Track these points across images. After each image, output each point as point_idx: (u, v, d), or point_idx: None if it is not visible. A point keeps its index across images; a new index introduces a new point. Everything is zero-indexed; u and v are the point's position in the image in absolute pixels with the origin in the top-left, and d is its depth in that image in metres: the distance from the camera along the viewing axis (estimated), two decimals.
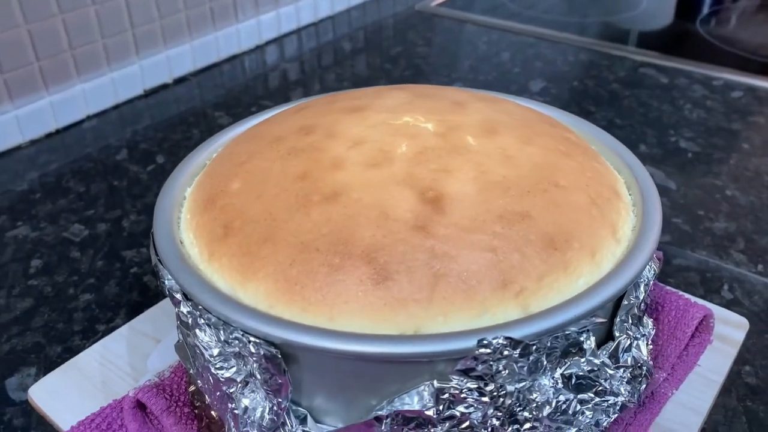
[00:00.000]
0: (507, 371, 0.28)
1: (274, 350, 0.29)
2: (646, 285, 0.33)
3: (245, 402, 0.31)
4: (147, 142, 0.70)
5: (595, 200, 0.34)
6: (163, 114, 0.75)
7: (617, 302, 0.33)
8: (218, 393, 0.32)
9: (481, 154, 0.34)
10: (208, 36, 0.84)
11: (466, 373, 0.28)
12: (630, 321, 0.32)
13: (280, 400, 0.30)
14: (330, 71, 0.84)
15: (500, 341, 0.27)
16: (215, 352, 0.30)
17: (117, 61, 0.75)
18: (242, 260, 0.31)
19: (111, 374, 0.43)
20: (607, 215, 0.34)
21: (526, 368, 0.29)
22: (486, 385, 0.28)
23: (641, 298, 0.33)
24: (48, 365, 0.45)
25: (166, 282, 0.32)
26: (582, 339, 0.30)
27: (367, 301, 0.29)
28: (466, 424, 0.29)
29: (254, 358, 0.29)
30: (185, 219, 0.36)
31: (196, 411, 0.37)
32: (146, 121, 0.74)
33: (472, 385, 0.28)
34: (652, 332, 0.35)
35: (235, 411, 0.31)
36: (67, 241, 0.56)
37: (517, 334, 0.28)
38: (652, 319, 0.37)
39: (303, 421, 0.31)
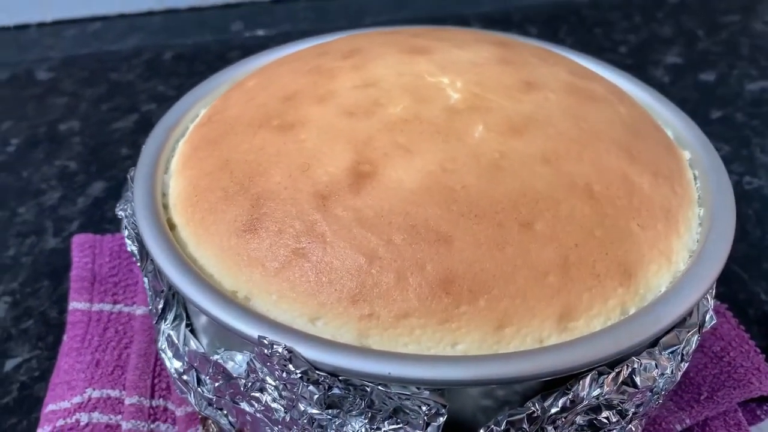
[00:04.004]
0: (297, 389, 0.24)
1: (137, 248, 0.29)
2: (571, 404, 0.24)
3: (145, 281, 0.32)
4: None
5: (567, 266, 0.25)
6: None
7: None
8: None
9: (469, 149, 0.27)
10: None
11: (263, 363, 0.25)
12: (503, 426, 0.24)
13: (156, 296, 0.30)
14: (616, 24, 0.72)
15: (281, 350, 0.23)
16: (120, 214, 0.31)
17: None
18: (190, 153, 0.31)
19: None
20: (569, 290, 0.25)
21: (319, 397, 0.24)
22: (285, 389, 0.25)
23: (543, 415, 0.24)
24: None
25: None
26: (416, 407, 0.24)
27: (227, 244, 0.27)
28: (273, 417, 0.26)
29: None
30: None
31: None
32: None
33: (271, 381, 0.25)
34: None
35: (143, 284, 0.32)
36: None
37: (320, 356, 0.23)
38: None
39: (177, 325, 0.31)
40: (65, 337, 0.38)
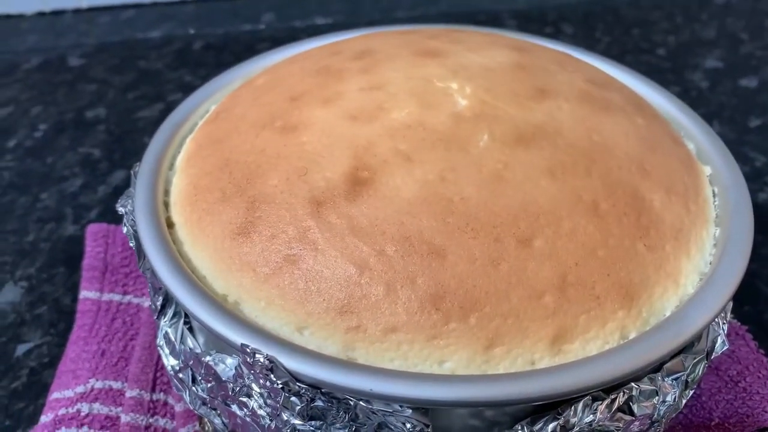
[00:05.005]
0: (280, 398, 0.23)
1: (135, 245, 0.29)
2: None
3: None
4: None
5: (565, 286, 0.24)
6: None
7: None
8: None
9: (471, 159, 0.26)
10: None
11: (249, 370, 0.24)
12: None
13: (155, 293, 0.30)
14: (656, 24, 0.70)
15: (263, 360, 0.23)
16: (120, 210, 0.31)
17: None
18: (194, 151, 0.31)
19: None
20: (565, 311, 0.24)
21: (301, 408, 0.23)
22: (269, 397, 0.24)
23: None
24: None
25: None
26: (399, 424, 0.23)
27: (221, 246, 0.26)
28: (261, 423, 0.26)
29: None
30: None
31: None
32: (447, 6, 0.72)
33: (256, 387, 0.25)
34: None
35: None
36: None
37: (302, 368, 0.23)
38: None
39: (176, 323, 0.31)
40: (75, 326, 0.39)
